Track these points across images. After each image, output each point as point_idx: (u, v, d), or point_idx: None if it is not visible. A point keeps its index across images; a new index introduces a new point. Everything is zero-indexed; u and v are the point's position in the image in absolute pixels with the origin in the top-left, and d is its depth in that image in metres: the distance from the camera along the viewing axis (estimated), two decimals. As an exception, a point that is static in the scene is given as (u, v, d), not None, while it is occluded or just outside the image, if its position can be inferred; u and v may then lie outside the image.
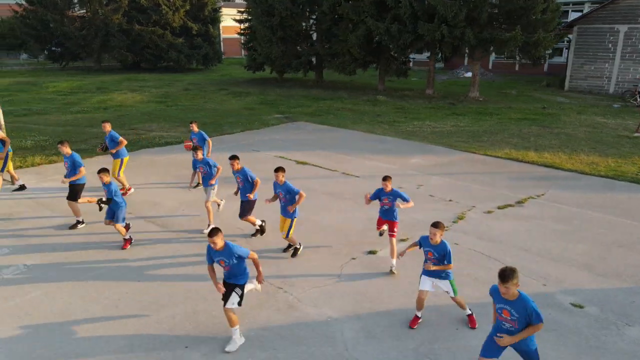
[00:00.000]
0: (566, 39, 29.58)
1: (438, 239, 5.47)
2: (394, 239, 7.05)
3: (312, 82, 32.06)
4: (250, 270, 5.50)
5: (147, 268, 7.19)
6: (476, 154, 14.09)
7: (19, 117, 18.54)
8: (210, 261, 5.38)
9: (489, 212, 9.52)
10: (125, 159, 10.07)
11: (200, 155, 8.48)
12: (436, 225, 5.46)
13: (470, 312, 5.80)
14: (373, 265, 7.31)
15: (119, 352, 5.31)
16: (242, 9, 35.98)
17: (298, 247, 7.63)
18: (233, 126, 17.59)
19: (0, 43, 42.07)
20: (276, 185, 7.32)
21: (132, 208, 9.47)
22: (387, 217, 7.08)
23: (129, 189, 10.21)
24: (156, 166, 12.49)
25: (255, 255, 5.40)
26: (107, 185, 7.50)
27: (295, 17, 28.36)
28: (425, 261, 5.64)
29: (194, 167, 8.77)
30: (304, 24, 29.17)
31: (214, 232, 5.14)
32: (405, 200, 6.83)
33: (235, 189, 8.26)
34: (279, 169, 7.25)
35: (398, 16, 24.08)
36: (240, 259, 5.25)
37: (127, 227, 7.92)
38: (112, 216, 7.70)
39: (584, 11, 33.03)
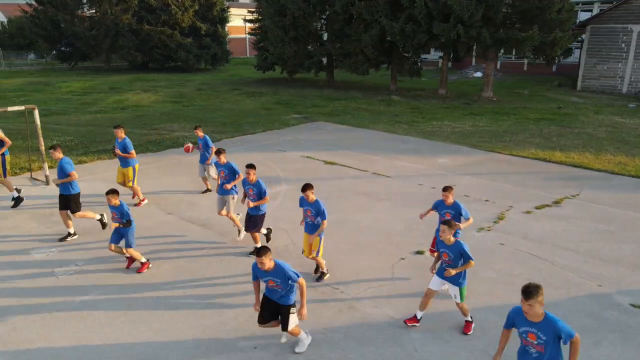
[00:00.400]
0: (579, 39, 29.60)
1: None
2: None
3: (323, 82, 32.07)
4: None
5: (200, 269, 7.19)
6: (501, 154, 14.10)
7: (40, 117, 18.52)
8: (255, 278, 5.16)
9: (527, 212, 9.52)
10: (137, 166, 9.38)
11: (223, 158, 8.03)
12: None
13: (470, 319, 5.76)
14: (423, 266, 7.30)
15: (191, 355, 5.30)
16: (252, 9, 36.04)
17: (325, 272, 6.95)
18: (254, 126, 17.59)
19: (9, 43, 42.00)
20: (304, 201, 6.64)
21: (172, 208, 9.48)
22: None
23: (143, 200, 9.59)
24: (183, 166, 12.47)
25: (304, 282, 5.06)
26: (117, 208, 6.75)
27: (307, 17, 28.37)
28: (442, 266, 5.57)
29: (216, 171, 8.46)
30: (315, 24, 29.11)
31: (263, 252, 4.78)
32: (465, 217, 6.55)
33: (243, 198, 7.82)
34: (307, 187, 6.50)
35: (412, 16, 24.09)
36: (291, 280, 4.96)
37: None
38: (119, 240, 6.92)
39: (593, 11, 33.09)
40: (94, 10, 37.27)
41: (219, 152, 8.06)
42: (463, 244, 5.40)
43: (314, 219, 6.57)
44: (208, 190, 10.27)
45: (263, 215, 7.48)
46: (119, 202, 6.79)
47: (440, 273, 5.58)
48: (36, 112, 10.38)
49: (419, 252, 7.78)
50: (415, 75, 27.65)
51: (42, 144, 10.66)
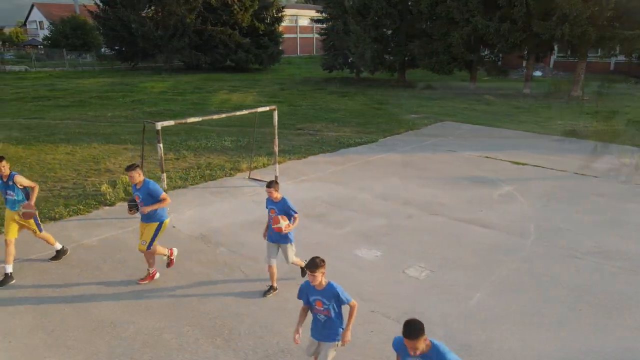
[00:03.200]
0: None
1: None
2: None
3: (394, 81, 32.08)
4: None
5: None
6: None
7: (173, 117, 18.41)
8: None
9: None
10: (166, 222, 6.41)
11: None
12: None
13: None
14: None
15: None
16: (320, 9, 36.09)
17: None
18: (391, 126, 17.53)
19: (63, 43, 41.75)
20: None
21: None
22: None
23: (171, 256, 6.79)
24: (376, 165, 12.42)
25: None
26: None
27: (390, 17, 28.38)
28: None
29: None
30: (397, 23, 29.07)
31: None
32: None
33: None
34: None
35: (507, 15, 24.12)
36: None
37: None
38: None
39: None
40: (152, 9, 37.17)
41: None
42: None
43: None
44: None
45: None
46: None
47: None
48: (275, 113, 10.32)
49: None
50: (502, 74, 27.69)
51: (277, 144, 10.62)
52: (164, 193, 6.22)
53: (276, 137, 10.60)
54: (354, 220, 8.73)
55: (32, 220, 6.68)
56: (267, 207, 6.13)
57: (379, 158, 13.19)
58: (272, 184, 5.94)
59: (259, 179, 11.00)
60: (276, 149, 10.66)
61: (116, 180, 10.48)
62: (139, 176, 6.12)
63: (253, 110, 10.31)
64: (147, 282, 6.49)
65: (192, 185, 10.59)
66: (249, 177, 11.15)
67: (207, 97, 23.91)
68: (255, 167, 11.80)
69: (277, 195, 5.95)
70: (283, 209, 5.97)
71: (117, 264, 6.97)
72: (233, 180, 11.01)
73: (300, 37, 59.21)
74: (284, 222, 5.84)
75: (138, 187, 6.14)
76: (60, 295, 6.12)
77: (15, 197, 6.51)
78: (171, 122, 8.63)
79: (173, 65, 40.50)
